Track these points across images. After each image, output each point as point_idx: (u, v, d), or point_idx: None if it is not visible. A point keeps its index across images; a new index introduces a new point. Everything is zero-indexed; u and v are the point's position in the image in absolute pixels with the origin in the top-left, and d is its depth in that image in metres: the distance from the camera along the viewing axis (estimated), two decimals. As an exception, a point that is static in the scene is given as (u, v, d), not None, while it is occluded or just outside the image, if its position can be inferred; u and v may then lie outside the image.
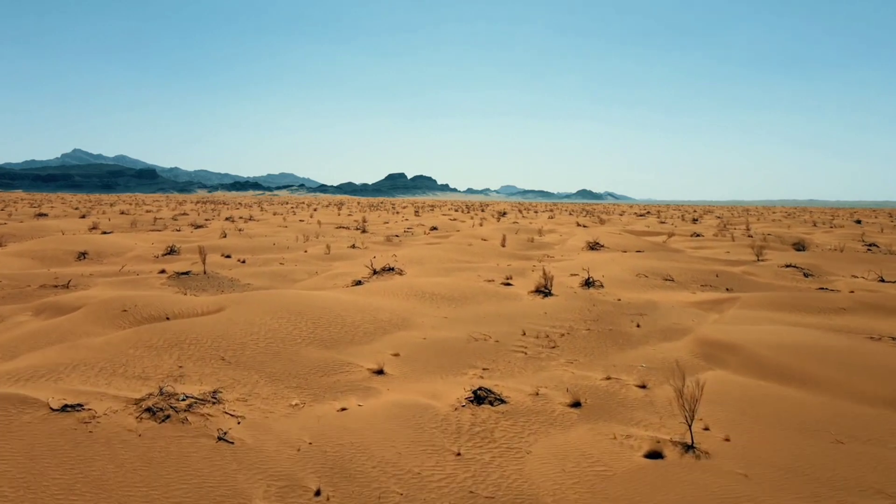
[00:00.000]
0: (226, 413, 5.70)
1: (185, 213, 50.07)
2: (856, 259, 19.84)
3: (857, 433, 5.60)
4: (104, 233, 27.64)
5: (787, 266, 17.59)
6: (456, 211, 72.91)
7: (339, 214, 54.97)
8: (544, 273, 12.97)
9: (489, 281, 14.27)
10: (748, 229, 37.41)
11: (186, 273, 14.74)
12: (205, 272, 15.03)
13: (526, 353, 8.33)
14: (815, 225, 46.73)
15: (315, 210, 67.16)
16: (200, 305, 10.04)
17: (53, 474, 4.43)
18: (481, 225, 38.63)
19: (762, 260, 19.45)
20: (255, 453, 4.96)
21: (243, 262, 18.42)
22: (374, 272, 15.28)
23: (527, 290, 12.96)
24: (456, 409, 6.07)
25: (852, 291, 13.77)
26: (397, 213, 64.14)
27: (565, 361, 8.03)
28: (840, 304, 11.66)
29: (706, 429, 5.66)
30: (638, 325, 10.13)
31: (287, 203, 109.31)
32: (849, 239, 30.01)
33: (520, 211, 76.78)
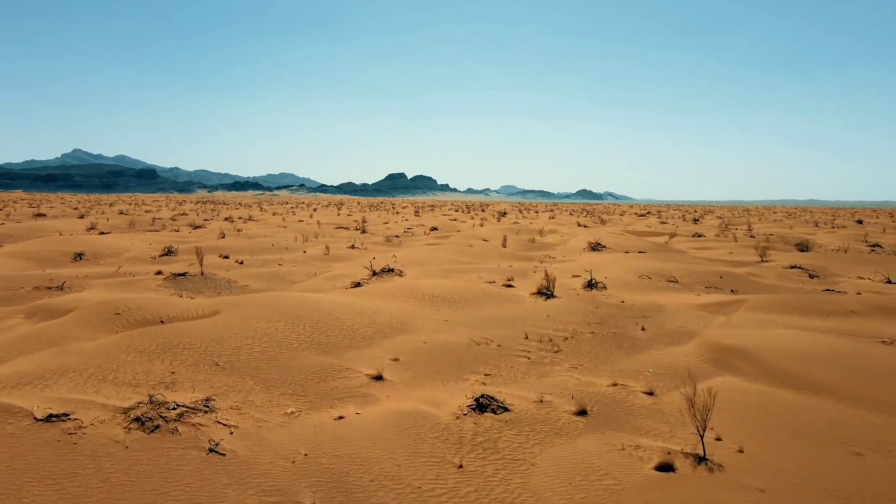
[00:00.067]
0: (218, 422, 5.47)
1: (184, 214, 49.84)
2: (860, 260, 19.62)
3: (876, 444, 5.37)
4: (102, 233, 27.42)
5: (792, 267, 17.37)
6: (456, 211, 72.68)
7: (338, 214, 54.74)
8: (546, 274, 12.74)
9: (490, 282, 14.04)
10: (750, 229, 37.18)
11: (183, 274, 14.51)
12: (202, 273, 14.80)
13: (529, 358, 8.10)
14: (816, 225, 46.50)
15: (315, 210, 66.93)
16: (196, 308, 9.82)
17: (34, 490, 4.20)
18: (482, 225, 38.40)
19: (766, 261, 19.22)
20: (248, 466, 4.73)
21: (241, 263, 18.19)
22: (374, 273, 15.05)
23: (529, 291, 12.73)
24: (457, 417, 5.85)
25: (859, 293, 13.54)
26: (397, 213, 63.91)
27: (569, 366, 7.81)
28: (848, 306, 11.43)
29: (718, 439, 5.43)
30: (643, 329, 9.91)
31: (287, 203, 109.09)
32: (852, 239, 29.78)
33: (520, 211, 76.54)
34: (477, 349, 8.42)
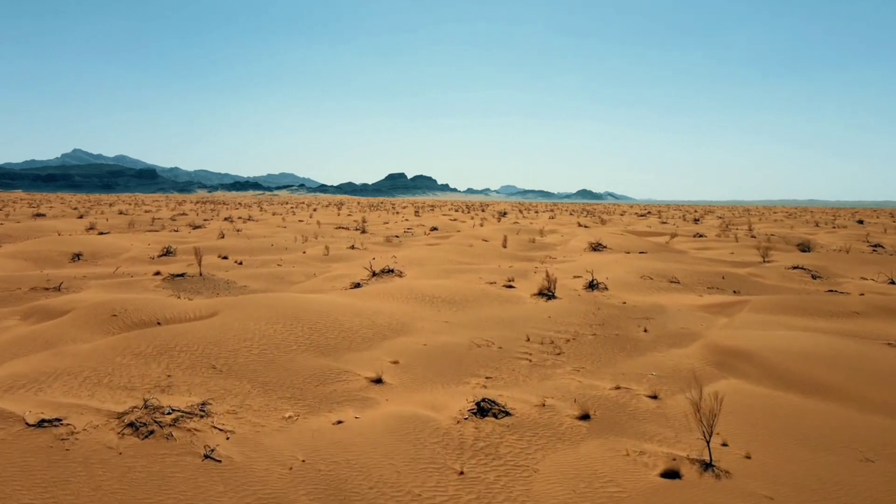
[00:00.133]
0: (214, 427, 5.36)
1: (183, 214, 49.72)
2: (862, 260, 19.51)
3: (887, 450, 5.26)
4: (101, 233, 27.31)
5: (794, 268, 17.25)
6: (456, 211, 72.57)
7: (338, 214, 54.63)
8: (547, 275, 12.63)
9: (491, 283, 13.94)
10: (751, 230, 37.07)
11: (181, 275, 14.41)
12: (200, 274, 14.70)
13: (530, 360, 7.99)
14: (817, 225, 46.39)
15: (315, 210, 66.81)
16: (193, 309, 9.71)
17: (24, 498, 4.10)
18: (482, 225, 38.30)
19: (768, 261, 19.11)
20: (244, 473, 4.63)
21: (240, 263, 18.08)
22: (374, 274, 14.95)
23: (529, 292, 12.62)
24: (458, 421, 5.74)
25: (862, 294, 13.44)
26: (397, 213, 63.79)
27: (572, 369, 7.70)
28: (852, 307, 11.32)
29: (724, 444, 5.32)
30: (645, 330, 9.80)
31: (287, 203, 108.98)
32: (853, 239, 29.67)
33: (520, 211, 76.43)
34: (478, 351, 8.31)
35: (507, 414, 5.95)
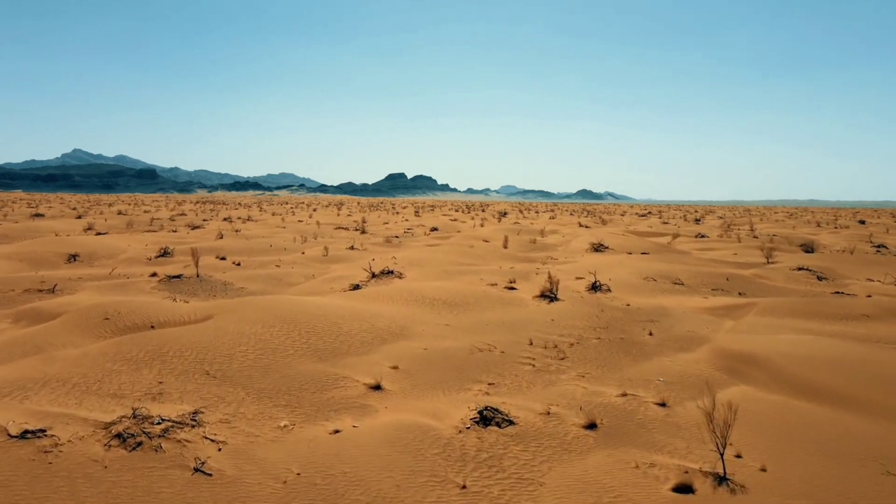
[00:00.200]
0: (205, 438, 5.14)
1: (183, 214, 49.49)
2: (867, 261, 19.29)
3: (906, 462, 5.04)
4: (99, 234, 27.09)
5: (799, 269, 17.03)
6: (456, 211, 72.32)
7: (338, 215, 54.38)
8: (549, 277, 12.40)
9: (492, 285, 13.71)
10: (753, 230, 36.85)
11: (178, 276, 14.18)
12: (197, 275, 14.47)
13: (534, 366, 7.77)
14: (819, 225, 46.16)
15: (314, 210, 66.56)
16: (188, 313, 9.49)
17: (2, 516, 3.88)
18: (482, 226, 38.07)
19: (772, 262, 18.88)
20: (236, 487, 4.41)
21: (238, 264, 17.86)
22: (373, 275, 14.73)
23: (531, 294, 12.40)
24: (460, 431, 5.52)
25: (870, 296, 13.22)
26: (397, 213, 63.55)
27: (576, 375, 7.48)
28: (861, 310, 11.10)
29: (738, 456, 5.10)
30: (650, 334, 9.58)
31: (287, 203, 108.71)
32: (856, 240, 29.44)
33: (520, 211, 76.18)
34: (479, 356, 8.09)
35: (511, 423, 5.73)
